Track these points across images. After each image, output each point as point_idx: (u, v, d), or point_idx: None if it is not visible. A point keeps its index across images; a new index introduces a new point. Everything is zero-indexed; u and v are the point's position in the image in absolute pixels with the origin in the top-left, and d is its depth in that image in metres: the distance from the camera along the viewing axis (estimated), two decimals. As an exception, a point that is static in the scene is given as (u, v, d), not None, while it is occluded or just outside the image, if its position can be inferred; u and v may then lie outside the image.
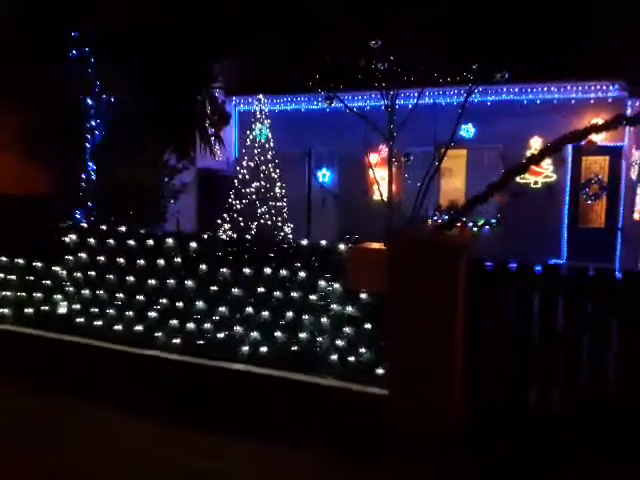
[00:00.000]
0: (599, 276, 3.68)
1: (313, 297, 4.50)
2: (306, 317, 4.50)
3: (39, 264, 5.73)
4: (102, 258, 5.39)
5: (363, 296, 4.31)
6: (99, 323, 5.32)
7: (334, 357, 4.37)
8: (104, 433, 4.20)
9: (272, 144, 10.53)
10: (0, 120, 7.14)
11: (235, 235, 6.91)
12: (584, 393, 3.68)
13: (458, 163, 12.57)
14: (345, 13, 10.08)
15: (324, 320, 4.45)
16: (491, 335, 3.92)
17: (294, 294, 4.57)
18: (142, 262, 5.18)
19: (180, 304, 5.00)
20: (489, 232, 12.10)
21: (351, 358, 4.32)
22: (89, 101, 7.41)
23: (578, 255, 11.55)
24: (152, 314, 5.11)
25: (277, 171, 10.39)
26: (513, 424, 3.84)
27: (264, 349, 4.62)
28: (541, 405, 3.79)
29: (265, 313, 4.66)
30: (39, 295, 5.70)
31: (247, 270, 4.75)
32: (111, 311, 5.32)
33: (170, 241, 5.08)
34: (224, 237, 5.21)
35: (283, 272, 4.62)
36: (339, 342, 4.38)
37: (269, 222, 9.88)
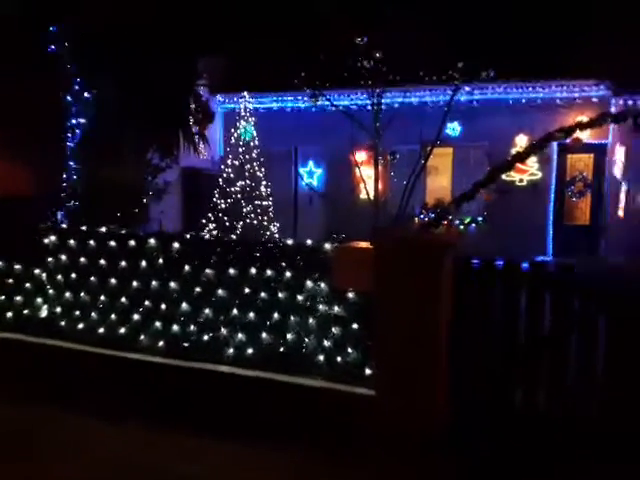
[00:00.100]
0: (587, 272, 3.67)
1: (299, 297, 4.44)
2: (292, 318, 4.45)
3: (19, 267, 5.61)
4: (83, 260, 5.29)
5: (350, 295, 4.26)
6: (81, 326, 5.22)
7: (321, 358, 4.32)
8: (84, 439, 4.11)
9: (257, 142, 10.43)
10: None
11: (219, 235, 6.81)
12: (571, 392, 3.67)
13: (444, 161, 12.59)
14: (331, 11, 10.03)
15: (311, 321, 4.40)
16: (477, 334, 3.89)
17: (280, 295, 4.51)
18: (124, 264, 5.08)
19: (164, 306, 4.91)
20: (475, 230, 12.13)
21: (338, 359, 4.27)
22: (69, 98, 7.25)
23: (563, 252, 11.62)
24: (135, 317, 5.02)
25: (262, 170, 10.29)
26: (498, 424, 3.82)
27: (250, 351, 4.55)
28: (527, 405, 3.77)
29: (251, 314, 4.60)
30: (19, 299, 5.58)
31: (232, 271, 4.67)
32: (93, 314, 5.22)
33: (152, 242, 4.98)
34: (207, 237, 5.11)
35: (269, 272, 4.55)
36: (326, 343, 4.33)
37: (255, 221, 9.79)
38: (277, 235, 9.90)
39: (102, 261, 5.19)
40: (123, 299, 5.09)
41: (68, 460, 3.83)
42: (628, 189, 10.72)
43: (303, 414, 4.10)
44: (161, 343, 4.86)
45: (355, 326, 4.25)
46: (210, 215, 9.89)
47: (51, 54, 7.04)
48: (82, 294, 5.28)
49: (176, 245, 4.89)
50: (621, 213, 11.02)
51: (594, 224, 11.90)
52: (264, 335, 4.53)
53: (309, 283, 4.40)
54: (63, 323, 5.31)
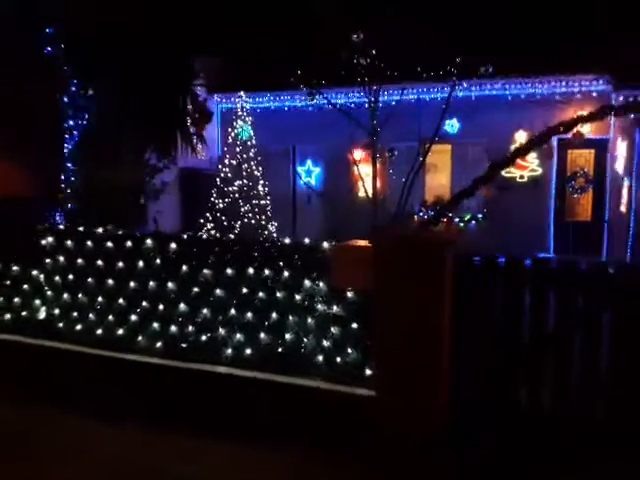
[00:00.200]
0: (591, 269, 3.61)
1: (298, 297, 4.39)
2: (291, 318, 4.40)
3: (16, 268, 5.56)
4: (80, 261, 5.24)
5: (349, 295, 4.21)
6: (79, 327, 5.18)
7: (320, 358, 4.27)
8: (82, 440, 4.08)
9: (254, 141, 10.39)
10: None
11: (217, 234, 6.77)
12: (575, 391, 3.61)
13: (443, 158, 12.52)
14: (328, 9, 9.96)
15: (309, 320, 4.34)
16: (478, 332, 3.84)
17: (278, 294, 4.46)
18: (121, 264, 5.04)
19: (161, 307, 4.86)
20: (475, 227, 12.07)
21: (338, 359, 4.22)
22: (66, 100, 7.20)
23: (565, 249, 11.56)
24: (133, 317, 4.98)
25: (260, 169, 10.25)
26: (500, 423, 3.77)
27: (248, 351, 4.50)
28: (530, 404, 3.72)
29: (249, 314, 4.55)
30: (17, 300, 5.53)
31: (229, 270, 4.62)
32: (91, 315, 5.17)
33: (149, 242, 4.93)
34: (205, 237, 5.06)
35: (266, 272, 4.50)
36: (325, 343, 4.28)
37: (253, 221, 9.74)
38: (275, 234, 9.86)
39: (99, 262, 5.14)
40: (121, 300, 5.05)
41: (66, 461, 3.80)
42: (630, 184, 10.64)
43: (302, 415, 4.06)
44: (159, 344, 4.80)
45: (354, 326, 4.20)
46: (208, 215, 9.84)
47: (47, 56, 7.00)
48: (80, 295, 5.24)
49: (173, 245, 4.84)
50: (623, 209, 10.95)
51: (596, 220, 11.82)
52: (262, 335, 4.48)
53: (307, 282, 4.35)
54: (61, 324, 5.26)
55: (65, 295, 5.31)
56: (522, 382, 3.80)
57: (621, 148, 11.06)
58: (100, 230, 5.19)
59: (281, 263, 4.46)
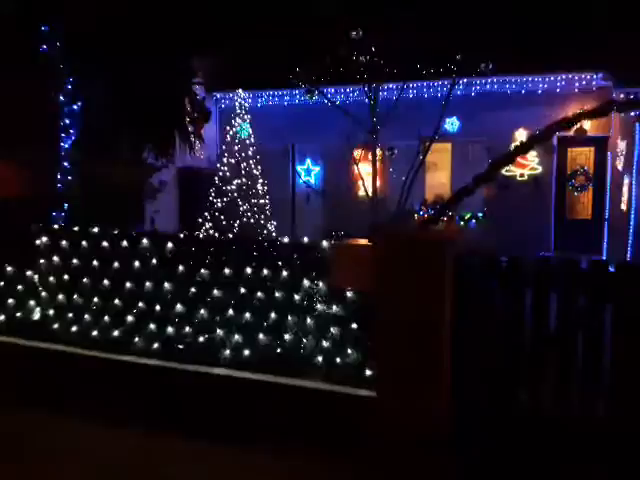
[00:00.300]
0: (593, 269, 3.55)
1: (297, 297, 4.33)
2: (290, 318, 4.33)
3: (10, 268, 5.49)
4: (75, 261, 5.17)
5: (349, 294, 4.15)
6: (75, 329, 5.10)
7: (320, 359, 4.21)
8: (77, 444, 4.04)
9: (253, 140, 10.32)
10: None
11: (215, 234, 6.71)
12: (577, 392, 3.55)
13: (443, 157, 12.48)
14: (327, 6, 9.89)
15: (309, 321, 4.28)
16: (479, 332, 3.77)
17: (277, 294, 4.40)
18: (117, 264, 4.97)
19: (158, 307, 4.80)
20: (476, 226, 12.02)
21: (337, 359, 4.16)
22: (62, 98, 7.13)
23: (566, 247, 11.52)
24: (129, 318, 4.91)
25: (259, 168, 10.18)
26: (501, 424, 3.71)
27: (247, 352, 4.44)
28: (532, 405, 3.65)
29: (247, 315, 4.49)
30: (11, 301, 5.46)
31: (227, 270, 4.56)
32: (87, 316, 5.10)
33: (146, 242, 4.87)
34: (202, 236, 5.00)
35: (265, 272, 4.44)
36: (325, 343, 4.22)
37: (252, 220, 9.68)
38: (274, 234, 9.80)
39: (95, 262, 5.08)
40: (116, 301, 4.98)
41: (61, 466, 3.77)
42: (630, 182, 10.58)
43: (302, 416, 4.01)
44: (156, 345, 4.74)
45: (354, 326, 4.14)
46: (206, 214, 9.78)
47: (43, 54, 6.92)
48: (75, 296, 5.16)
49: (170, 245, 4.77)
50: (624, 207, 10.89)
51: (596, 218, 11.78)
52: (261, 336, 4.42)
53: (306, 282, 4.29)
54: (56, 325, 5.19)
55: (60, 296, 5.24)
56: (524, 383, 3.73)
57: (621, 146, 11.01)
58: (95, 230, 5.12)
59: (280, 263, 4.40)
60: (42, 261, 5.33)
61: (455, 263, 3.72)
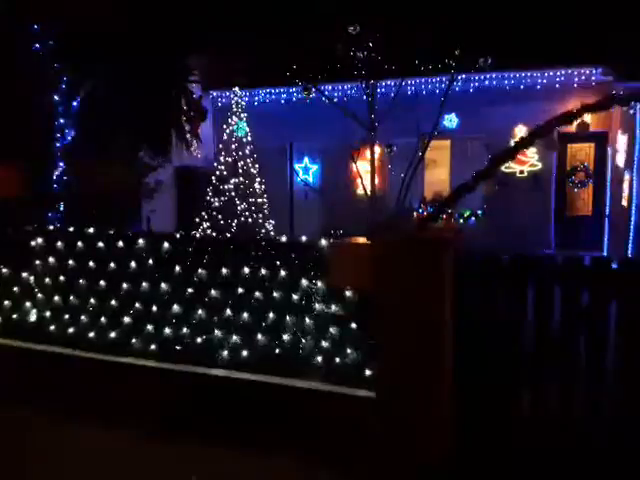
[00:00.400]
0: (596, 267, 3.49)
1: (295, 297, 4.27)
2: (288, 318, 4.28)
3: (6, 270, 5.43)
4: (71, 262, 5.11)
5: (347, 294, 4.09)
6: (71, 330, 5.05)
7: (319, 359, 4.15)
8: (72, 448, 4.00)
9: (250, 138, 10.25)
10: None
11: (213, 233, 6.65)
12: (580, 395, 3.49)
13: (442, 154, 12.41)
14: (324, 2, 9.81)
15: (307, 320, 4.22)
16: (481, 332, 3.71)
17: (275, 294, 4.34)
18: (113, 265, 4.91)
19: (155, 308, 4.74)
20: (475, 223, 11.95)
21: (337, 359, 4.11)
22: (56, 97, 7.05)
23: (566, 244, 11.46)
24: (126, 319, 4.85)
25: (256, 166, 10.11)
26: (502, 424, 3.65)
27: (245, 353, 4.38)
28: (534, 407, 3.59)
29: (245, 315, 4.43)
30: (7, 303, 5.41)
31: (224, 270, 4.50)
32: (83, 317, 5.04)
33: (142, 242, 4.80)
34: (199, 236, 4.94)
35: (263, 271, 4.38)
36: (324, 343, 4.16)
37: (249, 219, 9.61)
38: (272, 233, 9.74)
39: (91, 263, 5.01)
40: (113, 302, 4.92)
41: (56, 462, 3.78)
42: (631, 178, 10.51)
43: (299, 418, 3.97)
44: (153, 346, 4.68)
45: (353, 325, 4.08)
46: (204, 214, 9.71)
47: (35, 53, 6.84)
48: (71, 297, 5.11)
49: (166, 245, 4.71)
50: (624, 203, 10.82)
51: (596, 215, 11.72)
52: (259, 337, 4.36)
53: (305, 282, 4.23)
54: (52, 327, 5.13)
55: (56, 297, 5.18)
56: (525, 384, 3.68)
57: (622, 141, 10.93)
58: (91, 230, 5.06)
59: (278, 262, 4.34)
60: (38, 262, 5.27)
61: (455, 262, 3.67)
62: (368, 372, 3.97)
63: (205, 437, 4.02)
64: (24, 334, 5.21)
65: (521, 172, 11.84)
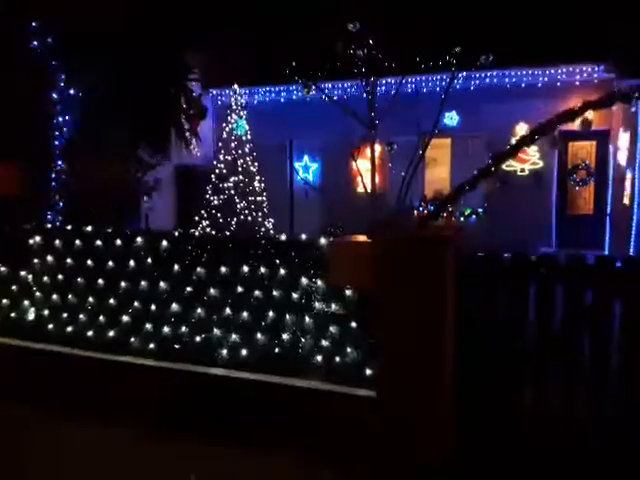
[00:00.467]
0: (600, 265, 3.45)
1: (295, 295, 4.23)
2: (288, 317, 4.24)
3: (4, 268, 5.40)
4: (69, 260, 5.08)
5: (348, 292, 4.05)
6: (70, 329, 5.02)
7: (319, 358, 4.12)
8: (71, 446, 3.98)
9: (249, 136, 10.20)
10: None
11: (212, 232, 6.61)
12: (583, 395, 3.45)
13: (442, 152, 12.36)
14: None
15: (307, 319, 4.19)
16: (482, 331, 3.68)
17: (274, 293, 4.30)
18: (111, 263, 4.88)
19: (154, 307, 4.70)
20: (476, 222, 11.90)
21: (337, 359, 4.08)
22: (54, 95, 7.00)
23: (568, 242, 11.41)
24: (125, 318, 4.82)
25: (256, 164, 10.06)
26: (506, 425, 3.62)
27: (244, 352, 4.35)
28: (537, 406, 3.56)
29: (244, 314, 4.39)
30: (5, 301, 5.37)
31: (223, 269, 4.46)
32: (81, 316, 5.01)
33: (140, 240, 4.77)
34: (197, 234, 4.90)
35: (262, 270, 4.34)
36: (324, 342, 4.13)
37: (249, 218, 9.56)
38: (272, 231, 9.70)
39: (89, 261, 4.99)
40: (111, 300, 4.89)
41: (54, 462, 3.75)
42: (633, 176, 10.45)
43: (299, 417, 3.94)
44: (152, 345, 4.65)
45: (354, 324, 4.05)
46: (203, 212, 9.66)
47: (33, 50, 6.78)
48: (70, 296, 5.08)
49: (165, 243, 4.68)
50: (626, 201, 10.76)
51: (598, 213, 11.67)
52: (259, 335, 4.34)
53: (304, 280, 4.19)
54: (51, 326, 5.10)
55: (54, 296, 5.15)
56: (528, 384, 3.65)
57: (623, 139, 10.87)
58: (89, 228, 5.03)
59: (277, 260, 4.30)
60: (36, 261, 5.24)
61: (456, 260, 3.63)
62: (369, 371, 3.95)
63: (204, 436, 4.00)
64: (22, 333, 5.18)
65: (522, 170, 11.79)
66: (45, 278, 5.21)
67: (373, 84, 9.16)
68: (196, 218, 9.66)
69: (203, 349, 4.48)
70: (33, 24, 6.78)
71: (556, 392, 3.58)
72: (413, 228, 3.90)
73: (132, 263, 4.79)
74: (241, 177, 9.80)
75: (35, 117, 6.97)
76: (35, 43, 6.80)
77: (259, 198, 9.92)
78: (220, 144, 10.51)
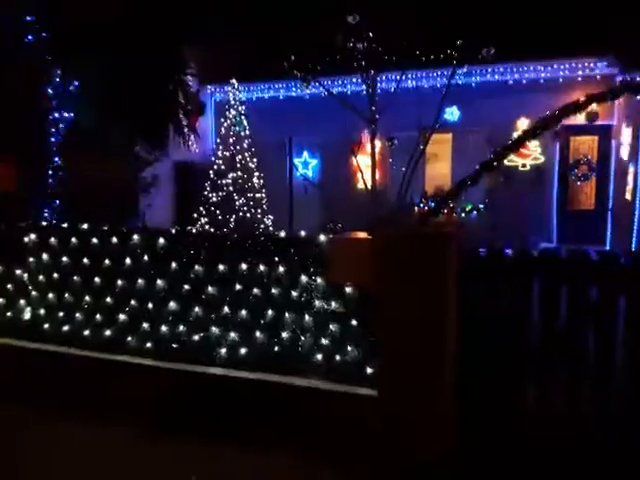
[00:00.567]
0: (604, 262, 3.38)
1: (294, 293, 4.17)
2: (287, 315, 4.18)
3: (-1, 267, 5.34)
4: (65, 258, 5.01)
5: (348, 290, 3.99)
6: (66, 328, 4.95)
7: (319, 357, 4.06)
8: (67, 446, 3.92)
9: (248, 132, 10.12)
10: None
11: (211, 229, 6.54)
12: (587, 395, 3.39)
13: (443, 148, 12.29)
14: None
15: (307, 318, 4.13)
16: (484, 328, 3.62)
17: (274, 290, 4.24)
18: (108, 261, 4.80)
19: (151, 305, 4.64)
20: (477, 217, 11.83)
21: (337, 357, 4.02)
22: (50, 90, 6.91)
23: (569, 238, 11.35)
24: (122, 317, 4.75)
25: (254, 160, 9.98)
26: (507, 424, 3.56)
27: (243, 351, 4.29)
28: (539, 405, 3.50)
29: (243, 312, 4.33)
30: (1, 301, 5.31)
31: (221, 266, 4.39)
32: (78, 315, 4.94)
33: (137, 238, 4.70)
34: (195, 231, 4.83)
35: (261, 267, 4.28)
36: (324, 340, 4.07)
37: (248, 215, 9.48)
38: (272, 228, 9.62)
39: (85, 259, 4.92)
40: (108, 299, 4.82)
41: (48, 460, 3.70)
42: (635, 171, 10.38)
43: (302, 416, 3.89)
44: (149, 344, 4.60)
45: (354, 322, 3.99)
46: (201, 209, 9.58)
47: (28, 45, 6.68)
48: (66, 295, 5.01)
49: (162, 241, 4.61)
50: (628, 196, 10.70)
51: (599, 208, 11.60)
52: (258, 334, 4.28)
53: (304, 278, 4.13)
54: (47, 325, 5.03)
55: (50, 295, 5.08)
56: (530, 380, 3.60)
57: (626, 134, 10.80)
58: (85, 226, 4.95)
59: (276, 258, 4.23)
60: (31, 259, 5.17)
61: (458, 256, 3.56)
62: (369, 370, 3.90)
63: (203, 436, 3.96)
64: (18, 332, 5.12)
65: (524, 166, 11.72)
66: (41, 277, 5.14)
67: (373, 78, 9.08)
68: (195, 215, 9.58)
69: (201, 348, 4.43)
70: (28, 18, 6.67)
71: (559, 388, 3.53)
72: (414, 224, 3.84)
73: (129, 261, 4.73)
74: (240, 173, 9.71)
75: (31, 113, 6.87)
76: (30, 37, 6.70)
77: (258, 195, 9.84)
78: (219, 140, 10.43)
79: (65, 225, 5.09)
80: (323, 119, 11.71)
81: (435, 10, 8.84)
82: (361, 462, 3.53)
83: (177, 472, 3.60)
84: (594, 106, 3.60)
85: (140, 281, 4.68)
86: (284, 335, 4.20)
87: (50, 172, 7.16)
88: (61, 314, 5.03)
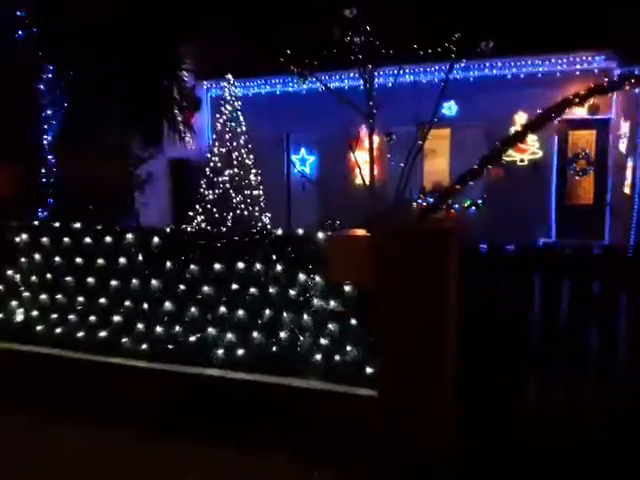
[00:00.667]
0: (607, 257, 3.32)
1: (292, 292, 4.10)
2: (285, 315, 4.11)
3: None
4: (58, 259, 4.91)
5: (347, 289, 3.91)
6: (59, 330, 4.87)
7: (318, 357, 3.99)
8: (61, 450, 3.87)
9: (244, 128, 10.02)
10: None
11: (207, 227, 6.45)
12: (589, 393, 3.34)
13: (441, 143, 12.24)
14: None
15: (305, 317, 4.05)
16: (486, 327, 3.56)
17: (271, 290, 4.16)
18: (101, 261, 4.72)
19: (146, 306, 4.56)
20: (475, 213, 11.77)
21: (336, 357, 3.96)
22: (41, 87, 6.79)
23: (567, 233, 11.30)
24: (116, 318, 4.67)
25: (251, 157, 9.87)
26: (507, 425, 3.50)
27: (240, 352, 4.22)
28: (539, 403, 3.45)
29: (240, 312, 4.25)
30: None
31: (218, 265, 4.31)
32: (71, 316, 4.86)
33: (131, 237, 4.61)
34: (190, 230, 4.75)
35: (258, 266, 4.20)
36: (322, 340, 4.00)
37: (245, 212, 9.38)
38: (269, 226, 9.54)
39: (78, 259, 4.83)
40: (102, 300, 4.73)
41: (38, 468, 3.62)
42: (634, 165, 10.33)
43: (301, 417, 3.83)
44: (144, 346, 4.51)
45: (353, 322, 3.92)
46: (197, 207, 9.48)
47: (19, 40, 6.56)
48: (59, 296, 4.92)
49: (157, 240, 4.52)
50: (627, 190, 10.65)
51: (598, 203, 11.55)
52: (255, 334, 4.21)
53: (302, 276, 4.05)
54: (39, 327, 4.95)
55: (43, 296, 4.99)
56: (531, 378, 3.54)
57: (624, 128, 10.75)
58: (77, 225, 4.87)
59: (274, 256, 4.16)
60: (23, 260, 5.08)
61: (458, 253, 3.49)
62: (369, 370, 3.83)
63: (200, 438, 3.90)
64: (10, 334, 5.03)
65: (522, 161, 11.66)
66: (33, 277, 5.06)
67: (371, 73, 8.99)
68: (191, 213, 9.48)
69: (197, 349, 4.35)
70: (18, 13, 6.54)
71: (560, 386, 3.49)
72: (413, 220, 3.76)
73: (123, 261, 4.64)
74: (236, 170, 9.61)
75: (21, 110, 6.75)
76: (21, 33, 6.57)
77: (255, 192, 9.74)
78: (214, 136, 10.33)
79: (57, 224, 4.99)
80: (320, 115, 11.64)
81: (433, 4, 8.75)
82: (361, 462, 3.48)
83: (174, 474, 3.56)
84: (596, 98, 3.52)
85: (135, 281, 4.61)
86: (282, 335, 4.13)
87: (43, 171, 7.05)
88: (54, 315, 4.94)
